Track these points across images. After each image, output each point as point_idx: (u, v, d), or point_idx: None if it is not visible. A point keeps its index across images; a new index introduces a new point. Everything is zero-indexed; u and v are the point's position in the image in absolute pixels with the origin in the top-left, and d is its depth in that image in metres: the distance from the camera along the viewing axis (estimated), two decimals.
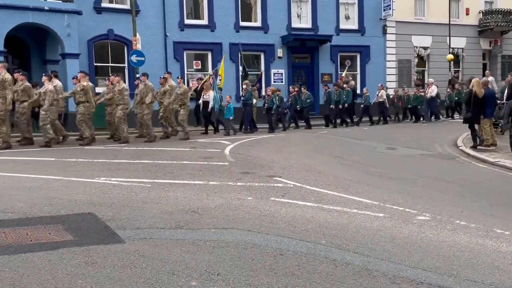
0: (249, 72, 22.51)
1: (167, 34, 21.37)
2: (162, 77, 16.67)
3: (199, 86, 18.86)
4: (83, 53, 19.35)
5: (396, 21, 26.10)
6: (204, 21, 22.45)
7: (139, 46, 18.90)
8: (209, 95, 17.78)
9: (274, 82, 23.16)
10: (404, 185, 8.67)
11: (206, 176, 9.00)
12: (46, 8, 17.78)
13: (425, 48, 27.12)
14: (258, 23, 23.47)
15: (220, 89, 18.65)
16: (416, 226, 6.00)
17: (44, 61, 19.98)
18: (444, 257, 4.90)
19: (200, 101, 18.11)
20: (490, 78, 21.77)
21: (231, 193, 7.62)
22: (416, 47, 26.90)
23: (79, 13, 18.57)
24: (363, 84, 25.10)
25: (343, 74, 23.55)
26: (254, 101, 19.08)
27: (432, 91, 21.91)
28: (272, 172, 9.56)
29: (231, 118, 17.60)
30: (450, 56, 26.30)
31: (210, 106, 17.55)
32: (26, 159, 11.14)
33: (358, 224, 6.02)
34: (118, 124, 14.89)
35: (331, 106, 20.55)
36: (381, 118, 21.81)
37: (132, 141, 14.93)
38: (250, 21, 23.52)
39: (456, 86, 23.91)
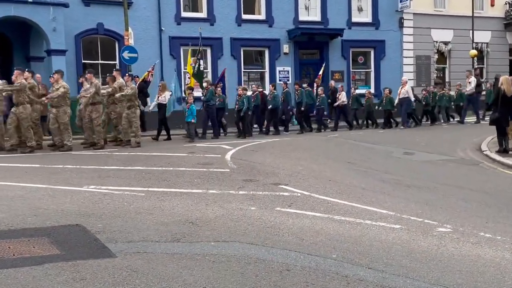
0: (251, 70, 22.60)
1: (162, 28, 21.42)
2: (108, 75, 16.30)
3: (137, 84, 18.04)
4: (70, 49, 19.41)
5: (414, 13, 26.10)
6: (203, 14, 22.51)
7: (131, 42, 18.97)
8: (165, 97, 17.28)
9: (280, 80, 23.16)
10: (423, 193, 8.67)
11: (205, 184, 9.02)
12: (29, 0, 17.88)
13: (445, 43, 27.12)
14: (262, 16, 23.51)
15: (191, 88, 18.10)
16: (436, 238, 6.00)
17: (27, 58, 20.06)
18: (467, 273, 4.90)
19: (155, 103, 17.59)
20: None
21: (232, 202, 7.63)
22: (436, 42, 26.90)
23: (65, 5, 18.65)
24: (377, 83, 25.12)
25: (320, 73, 22.92)
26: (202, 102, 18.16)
27: (405, 92, 20.80)
28: (278, 179, 9.58)
29: (192, 121, 16.78)
30: (474, 52, 26.27)
31: (168, 110, 17.13)
32: (8, 165, 11.19)
33: (372, 236, 6.03)
34: (62, 130, 14.13)
35: (289, 107, 20.04)
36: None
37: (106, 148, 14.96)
38: (253, 13, 23.58)
39: (444, 87, 23.66)
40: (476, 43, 27.09)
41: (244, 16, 23.04)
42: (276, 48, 23.55)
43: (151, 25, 21.28)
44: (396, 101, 20.92)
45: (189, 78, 19.37)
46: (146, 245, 5.44)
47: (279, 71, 23.65)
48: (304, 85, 20.29)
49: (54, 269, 4.64)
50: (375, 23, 25.43)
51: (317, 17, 24.58)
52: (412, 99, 20.89)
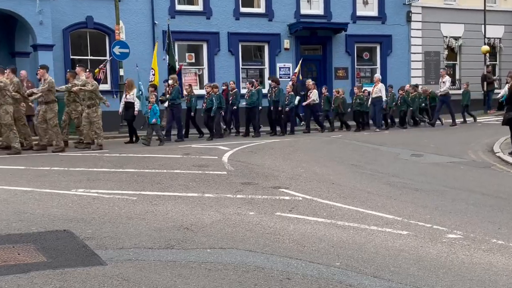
0: (250, 66, 22.62)
1: (156, 22, 21.43)
2: (69, 70, 16.00)
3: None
4: (58, 44, 19.42)
5: (422, 7, 26.14)
6: (199, 7, 22.53)
7: (122, 36, 19.02)
8: (133, 95, 16.72)
9: (280, 77, 23.15)
10: (432, 198, 8.67)
11: (201, 188, 9.02)
12: None
13: (456, 38, 27.14)
14: (262, 9, 23.54)
15: (155, 86, 17.59)
16: (445, 245, 6.01)
17: (12, 53, 20.08)
18: (478, 281, 4.91)
19: (122, 102, 16.97)
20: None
21: (230, 207, 7.64)
22: (446, 37, 26.92)
23: None
24: (383, 80, 25.03)
25: (296, 70, 22.34)
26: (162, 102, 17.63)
27: (378, 90, 20.17)
28: (278, 182, 9.59)
29: (154, 121, 16.03)
30: (486, 48, 26.30)
31: (136, 109, 16.46)
32: None
33: (378, 243, 6.04)
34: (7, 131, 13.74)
35: (260, 107, 19.17)
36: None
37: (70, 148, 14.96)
38: (252, 6, 23.60)
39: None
40: (488, 38, 27.12)
41: (243, 9, 23.06)
42: (277, 44, 23.57)
43: (143, 19, 21.29)
44: (369, 101, 20.38)
45: (153, 75, 18.80)
46: (138, 252, 5.44)
47: (280, 67, 23.67)
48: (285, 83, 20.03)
49: (40, 277, 4.64)
50: (381, 17, 25.45)
51: (319, 11, 24.59)
52: (384, 98, 20.38)
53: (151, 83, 18.19)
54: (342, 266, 5.19)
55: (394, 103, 21.29)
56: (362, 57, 25.64)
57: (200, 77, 22.64)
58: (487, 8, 26.55)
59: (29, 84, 16.98)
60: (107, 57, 20.48)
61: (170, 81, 17.76)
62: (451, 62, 27.55)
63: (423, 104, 22.10)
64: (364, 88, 21.57)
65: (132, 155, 13.27)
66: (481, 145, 15.17)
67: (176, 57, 21.33)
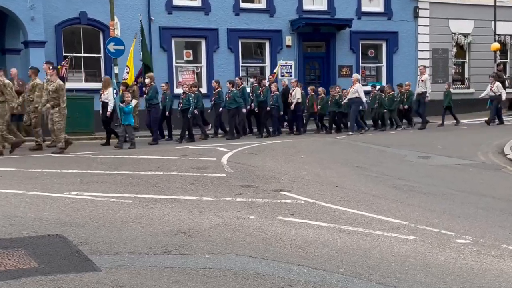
0: (250, 64, 22.60)
1: (152, 18, 21.45)
2: (31, 67, 15.71)
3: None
4: (50, 41, 19.44)
5: (430, 2, 26.14)
6: (197, 2, 22.54)
7: (117, 33, 18.96)
8: (108, 94, 16.43)
9: (282, 76, 23.19)
10: (440, 201, 8.68)
11: (199, 190, 9.03)
12: None
13: (465, 35, 27.14)
14: (262, 5, 23.54)
15: (126, 85, 17.38)
16: (454, 251, 6.02)
17: (2, 50, 20.13)
18: None
19: (100, 102, 16.77)
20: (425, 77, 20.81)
21: (229, 210, 7.65)
22: (455, 33, 26.92)
23: None
24: (389, 79, 25.12)
25: (275, 70, 21.89)
26: (134, 102, 17.25)
27: (355, 91, 19.37)
28: (279, 185, 9.59)
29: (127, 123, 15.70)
30: (496, 45, 26.26)
31: (109, 109, 16.23)
32: None
33: (384, 248, 6.04)
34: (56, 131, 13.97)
35: (247, 107, 18.95)
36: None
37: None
38: (253, 2, 23.61)
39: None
40: (498, 35, 27.11)
41: (243, 5, 23.07)
42: (278, 40, 23.58)
43: (139, 14, 21.26)
44: (345, 100, 19.63)
45: (127, 73, 18.49)
46: (133, 257, 5.45)
47: (281, 65, 23.60)
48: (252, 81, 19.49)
49: (31, 283, 4.65)
50: (387, 12, 25.46)
51: (323, 6, 24.60)
52: (364, 99, 19.55)
53: (123, 81, 17.84)
54: (346, 272, 5.20)
55: (375, 105, 20.67)
56: (367, 55, 25.64)
57: (198, 75, 22.62)
58: (497, 4, 26.52)
59: (20, 82, 17.00)
60: (101, 54, 20.51)
61: (147, 80, 17.40)
62: (460, 60, 27.54)
63: (407, 105, 21.05)
64: (342, 89, 20.62)
65: (127, 156, 13.28)
66: (491, 146, 15.16)
67: (174, 56, 21.39)
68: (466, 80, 27.01)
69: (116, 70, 18.64)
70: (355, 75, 20.50)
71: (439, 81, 25.47)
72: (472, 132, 19.44)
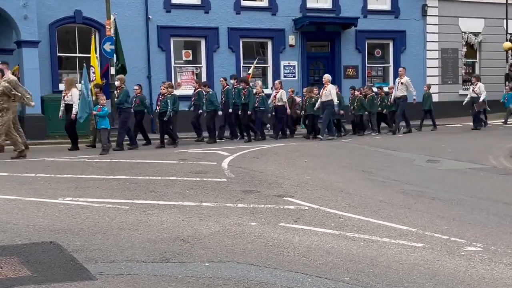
0: (251, 65, 22.59)
1: (150, 16, 21.48)
2: (1, 62, 15.15)
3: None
4: (44, 41, 19.47)
5: (439, 0, 26.16)
6: (197, 0, 22.54)
7: (113, 32, 19.01)
8: (72, 95, 15.92)
9: (285, 76, 23.22)
10: (449, 207, 8.68)
11: (198, 196, 9.04)
12: None
13: (475, 34, 27.16)
14: (265, 3, 23.57)
15: (100, 87, 16.92)
16: (464, 259, 6.02)
17: None
18: None
19: (62, 105, 16.16)
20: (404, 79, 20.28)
21: (230, 217, 7.66)
22: (465, 32, 26.94)
23: None
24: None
25: (249, 71, 21.67)
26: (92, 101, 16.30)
27: (328, 93, 18.79)
28: (282, 190, 9.60)
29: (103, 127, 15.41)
30: (508, 44, 26.28)
31: (74, 111, 15.72)
32: None
33: (391, 256, 6.04)
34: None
35: (229, 110, 18.56)
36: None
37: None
38: (255, 0, 23.65)
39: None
40: (510, 34, 27.12)
41: (244, 3, 23.10)
42: (281, 40, 23.60)
43: (136, 13, 21.32)
44: (317, 104, 18.89)
45: (93, 73, 18.18)
46: (130, 266, 5.45)
47: (284, 66, 23.69)
48: (232, 82, 19.01)
49: None
50: (394, 11, 25.48)
51: (327, 4, 24.64)
52: (336, 102, 18.78)
53: (94, 83, 17.36)
54: (352, 281, 5.20)
55: (352, 107, 20.38)
56: (374, 55, 25.68)
57: (198, 76, 22.62)
58: (509, 1, 26.54)
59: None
60: (96, 54, 20.53)
61: (117, 83, 17.10)
62: (470, 59, 27.56)
63: (393, 109, 20.61)
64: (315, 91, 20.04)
65: (124, 160, 13.29)
66: (503, 150, 15.16)
67: (172, 56, 21.41)
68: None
69: (112, 70, 18.67)
70: (326, 76, 19.72)
71: (449, 82, 25.49)
72: (483, 135, 19.44)
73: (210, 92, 18.31)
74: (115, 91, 17.20)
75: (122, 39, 19.36)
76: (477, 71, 27.33)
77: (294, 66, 23.85)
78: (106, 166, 12.46)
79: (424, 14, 25.97)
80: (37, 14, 18.73)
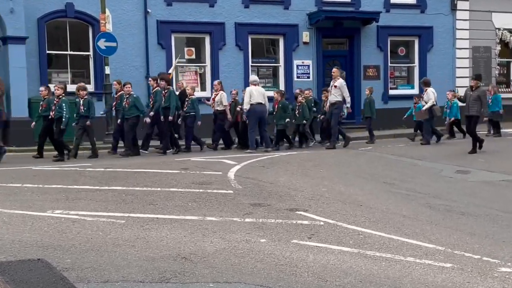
0: (261, 64, 22.64)
1: (149, 10, 21.54)
2: None
3: None
4: (32, 37, 19.57)
5: None
6: None
7: (109, 27, 19.10)
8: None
9: (298, 77, 23.24)
10: (481, 223, 8.65)
11: (202, 209, 9.05)
12: None
13: (511, 31, 27.10)
14: None
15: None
16: (497, 281, 6.00)
17: None
18: None
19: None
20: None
21: (236, 233, 7.67)
22: (499, 29, 26.87)
23: None
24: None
25: (170, 71, 20.14)
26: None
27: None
28: (295, 204, 9.60)
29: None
30: None
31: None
32: None
33: (416, 278, 6.03)
34: None
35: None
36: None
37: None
38: None
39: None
40: None
41: None
42: (294, 37, 23.62)
43: (134, 6, 21.38)
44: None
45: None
46: (126, 286, 5.47)
47: (297, 65, 23.69)
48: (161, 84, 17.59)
49: None
50: (420, 4, 25.47)
51: None
52: (267, 106, 17.92)
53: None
54: None
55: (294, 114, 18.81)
56: (397, 53, 25.64)
57: (202, 76, 22.69)
58: None
59: None
60: (90, 52, 20.66)
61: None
62: (505, 59, 27.48)
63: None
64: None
65: (120, 169, 13.32)
66: None
67: (173, 54, 21.42)
68: None
69: (107, 70, 18.75)
70: (251, 77, 19.02)
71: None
72: None
73: (134, 95, 16.96)
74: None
75: (119, 35, 19.45)
76: None
77: (308, 66, 23.83)
78: (99, 175, 12.49)
79: (454, 8, 25.93)
80: (25, 8, 18.85)
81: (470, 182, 12.54)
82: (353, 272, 6.13)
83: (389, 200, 10.17)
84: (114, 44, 19.03)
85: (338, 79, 18.38)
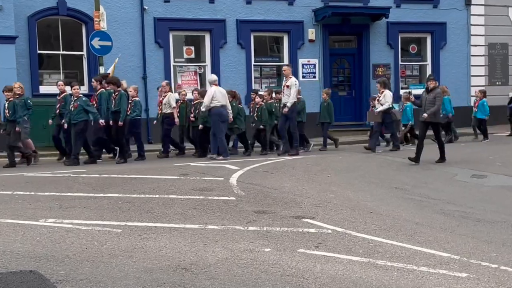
0: (265, 63, 22.63)
1: (145, 7, 21.58)
2: None
3: None
4: (22, 36, 19.63)
5: None
6: None
7: (103, 25, 19.13)
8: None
9: (303, 77, 23.22)
10: (499, 230, 8.65)
11: (202, 217, 9.06)
12: None
13: None
14: None
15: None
16: None
17: None
18: None
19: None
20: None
21: (239, 242, 7.67)
22: None
23: None
24: (437, 80, 25.02)
25: (109, 70, 19.03)
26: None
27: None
28: (301, 211, 9.61)
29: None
30: None
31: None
32: None
33: None
34: None
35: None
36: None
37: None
38: None
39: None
40: None
41: None
42: (299, 34, 23.64)
43: (130, 3, 21.44)
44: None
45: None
46: None
47: (303, 64, 23.68)
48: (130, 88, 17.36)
49: None
50: None
51: None
52: (229, 110, 17.27)
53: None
54: None
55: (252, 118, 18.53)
56: (408, 51, 25.65)
57: (202, 77, 22.68)
58: None
59: None
60: (83, 51, 20.69)
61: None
62: None
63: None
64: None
65: (116, 176, 13.34)
66: None
67: (171, 53, 21.43)
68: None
69: (101, 70, 18.76)
70: (210, 76, 18.53)
71: (497, 83, 25.36)
72: None
73: (83, 98, 16.23)
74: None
75: (114, 34, 19.48)
76: None
77: (315, 65, 23.84)
78: (94, 182, 12.51)
79: (468, 3, 25.91)
80: (14, 5, 18.90)
81: (486, 187, 12.54)
82: (363, 283, 6.13)
83: (401, 207, 10.17)
84: (109, 43, 19.04)
85: (290, 77, 17.67)
